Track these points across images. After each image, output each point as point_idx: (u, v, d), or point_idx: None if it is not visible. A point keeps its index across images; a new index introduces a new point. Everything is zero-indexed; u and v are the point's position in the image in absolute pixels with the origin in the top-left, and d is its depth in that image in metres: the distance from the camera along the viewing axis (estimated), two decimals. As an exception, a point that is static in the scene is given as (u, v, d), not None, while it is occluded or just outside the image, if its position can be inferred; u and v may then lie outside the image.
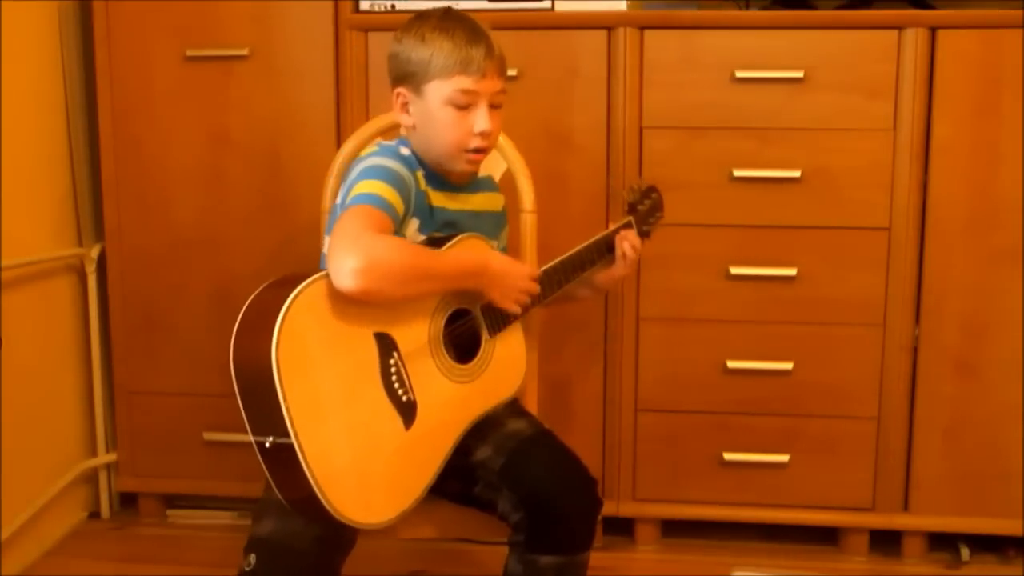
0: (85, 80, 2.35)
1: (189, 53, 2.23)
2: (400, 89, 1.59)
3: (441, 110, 1.55)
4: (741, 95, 2.12)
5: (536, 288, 1.61)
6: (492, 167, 1.83)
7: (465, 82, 1.53)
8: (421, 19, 1.57)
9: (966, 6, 2.16)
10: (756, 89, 2.11)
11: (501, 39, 2.12)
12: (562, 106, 2.17)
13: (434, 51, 1.53)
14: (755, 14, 2.22)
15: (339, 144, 2.08)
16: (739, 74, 2.11)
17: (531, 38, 2.16)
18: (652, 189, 1.85)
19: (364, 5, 2.19)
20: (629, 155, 2.15)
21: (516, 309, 1.58)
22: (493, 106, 1.57)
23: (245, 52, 2.22)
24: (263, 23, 2.22)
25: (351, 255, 1.35)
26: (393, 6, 2.17)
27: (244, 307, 1.36)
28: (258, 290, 1.38)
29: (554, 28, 2.15)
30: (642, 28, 2.12)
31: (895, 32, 2.07)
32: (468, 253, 1.56)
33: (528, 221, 1.80)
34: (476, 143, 1.56)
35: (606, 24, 2.13)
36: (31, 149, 2.24)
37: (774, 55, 2.11)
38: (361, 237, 1.38)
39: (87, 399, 2.43)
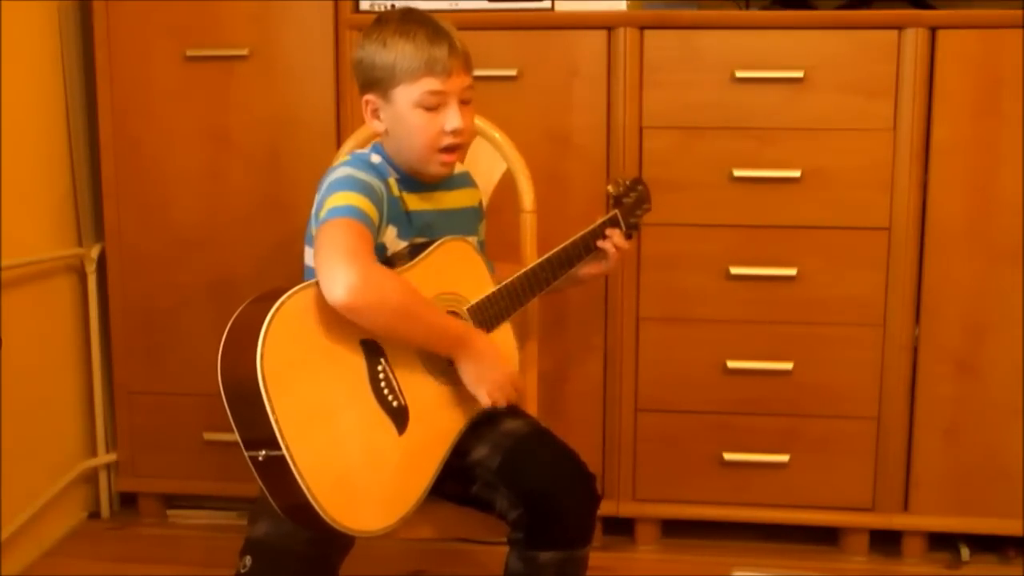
0: (85, 80, 2.35)
1: (189, 53, 2.23)
2: (368, 96, 1.58)
3: (411, 113, 1.54)
4: (741, 95, 2.12)
5: (514, 396, 1.56)
6: (492, 167, 1.83)
7: (432, 83, 1.53)
8: (381, 23, 1.56)
9: (966, 6, 2.16)
10: (756, 89, 2.11)
11: (501, 39, 2.15)
12: (562, 106, 2.17)
13: (397, 55, 1.52)
14: (755, 14, 2.22)
15: (339, 144, 2.08)
16: (739, 74, 2.11)
17: (531, 38, 2.16)
18: (638, 182, 1.84)
19: (364, 5, 2.19)
20: (629, 155, 2.15)
21: (486, 402, 1.52)
22: (463, 102, 1.56)
23: (245, 52, 2.22)
24: (263, 23, 2.22)
25: (348, 270, 1.35)
26: (393, 6, 2.17)
27: (228, 324, 1.37)
28: (242, 306, 1.38)
29: (554, 28, 2.15)
30: (642, 28, 2.12)
31: (895, 32, 2.07)
32: (461, 322, 1.53)
33: (528, 221, 1.80)
34: (449, 141, 1.56)
35: (606, 24, 2.13)
36: (31, 149, 2.24)
37: (774, 55, 2.11)
38: (358, 255, 1.38)
39: (87, 399, 2.43)
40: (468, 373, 1.51)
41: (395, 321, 1.42)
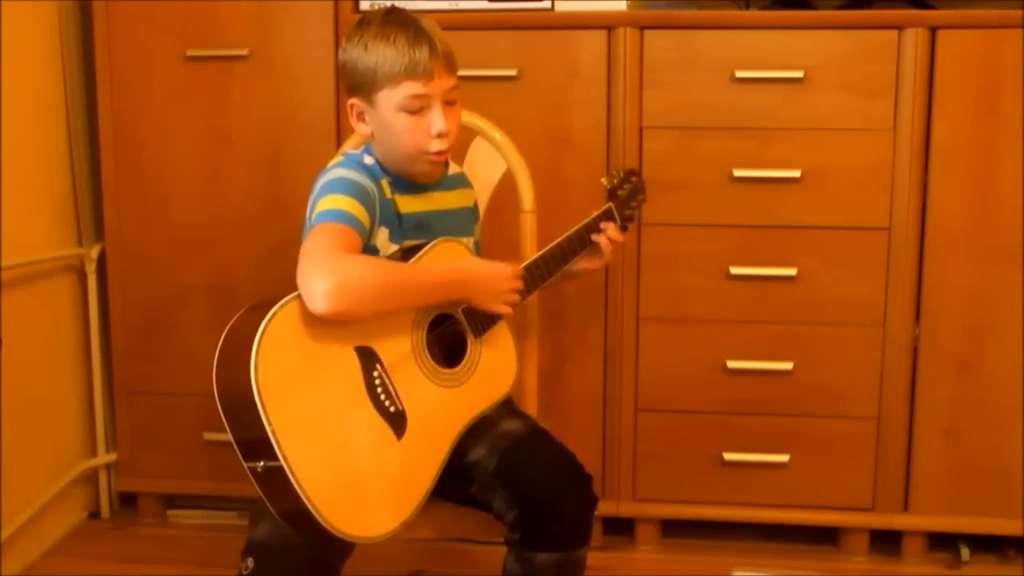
0: (85, 80, 2.35)
1: (189, 53, 2.23)
2: (353, 100, 1.58)
3: (395, 117, 1.53)
4: (741, 95, 2.12)
5: (521, 285, 1.60)
6: (492, 167, 1.83)
7: (414, 87, 1.51)
8: (362, 26, 1.55)
9: (966, 6, 2.16)
10: (756, 89, 2.11)
11: (501, 39, 2.15)
12: (562, 106, 2.16)
13: (378, 59, 1.51)
14: (755, 14, 2.22)
15: (339, 144, 2.08)
16: (739, 74, 2.11)
17: (531, 38, 2.16)
18: (632, 173, 1.84)
19: (364, 5, 2.19)
20: (629, 155, 2.15)
21: (507, 311, 1.57)
22: (447, 103, 1.55)
23: (245, 52, 2.22)
24: (263, 23, 2.22)
25: (321, 277, 1.34)
26: (393, 6, 2.16)
27: (223, 336, 1.36)
28: (236, 316, 1.38)
29: (554, 28, 2.15)
30: (642, 28, 2.12)
31: (895, 32, 2.07)
32: (445, 264, 1.54)
33: (528, 221, 1.80)
34: (436, 146, 1.55)
35: (606, 24, 2.13)
36: (31, 149, 2.24)
37: (774, 55, 2.11)
38: (330, 257, 1.38)
39: (87, 399, 2.43)
40: (485, 304, 1.54)
41: (384, 302, 1.42)
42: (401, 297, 1.45)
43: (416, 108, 1.53)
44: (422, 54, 1.51)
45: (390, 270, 1.46)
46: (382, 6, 1.61)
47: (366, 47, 1.53)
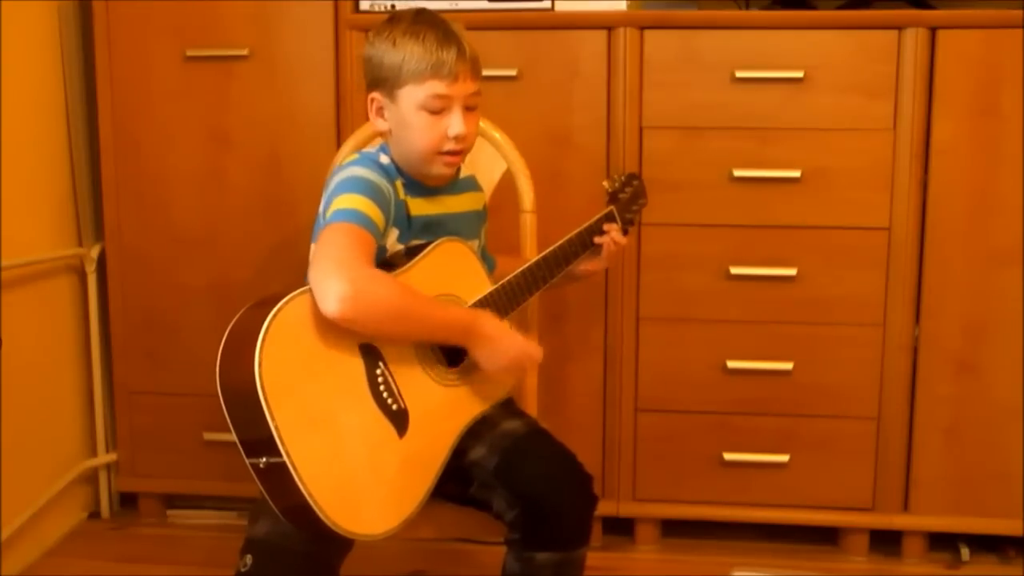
0: (85, 80, 2.35)
1: (189, 53, 2.23)
2: (374, 94, 1.58)
3: (415, 115, 1.53)
4: (741, 95, 2.12)
5: (537, 359, 1.57)
6: (492, 167, 1.83)
7: (438, 86, 1.52)
8: (392, 22, 1.56)
9: (966, 6, 2.16)
10: (756, 89, 2.11)
11: (501, 39, 2.15)
12: (562, 106, 2.17)
13: (405, 56, 1.52)
14: (755, 14, 2.22)
15: (339, 144, 2.08)
16: (739, 74, 2.11)
17: (531, 38, 2.16)
18: (633, 176, 1.85)
19: (364, 5, 2.19)
20: (629, 155, 2.15)
21: (509, 381, 1.54)
22: (468, 108, 1.55)
23: (245, 52, 2.22)
24: (263, 23, 2.22)
25: (339, 281, 1.34)
26: (393, 6, 2.17)
27: (227, 331, 1.36)
28: (240, 312, 1.38)
29: (554, 28, 2.15)
30: (642, 28, 2.12)
31: (895, 32, 2.07)
32: (462, 310, 1.52)
33: (528, 221, 1.80)
34: (450, 146, 1.55)
35: (606, 24, 2.13)
36: (31, 149, 2.24)
37: (774, 55, 2.11)
38: (350, 263, 1.37)
39: (87, 399, 2.43)
40: (482, 360, 1.50)
41: (392, 325, 1.41)
42: (410, 325, 1.43)
43: (437, 108, 1.53)
44: (449, 55, 1.51)
45: (409, 297, 1.44)
46: (396, 6, 1.60)
47: (394, 42, 1.53)
